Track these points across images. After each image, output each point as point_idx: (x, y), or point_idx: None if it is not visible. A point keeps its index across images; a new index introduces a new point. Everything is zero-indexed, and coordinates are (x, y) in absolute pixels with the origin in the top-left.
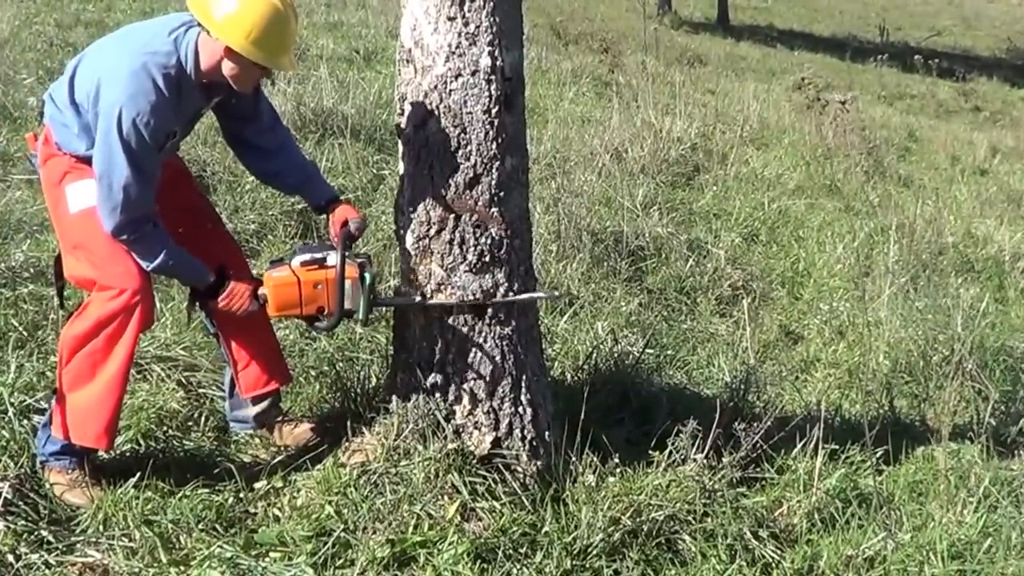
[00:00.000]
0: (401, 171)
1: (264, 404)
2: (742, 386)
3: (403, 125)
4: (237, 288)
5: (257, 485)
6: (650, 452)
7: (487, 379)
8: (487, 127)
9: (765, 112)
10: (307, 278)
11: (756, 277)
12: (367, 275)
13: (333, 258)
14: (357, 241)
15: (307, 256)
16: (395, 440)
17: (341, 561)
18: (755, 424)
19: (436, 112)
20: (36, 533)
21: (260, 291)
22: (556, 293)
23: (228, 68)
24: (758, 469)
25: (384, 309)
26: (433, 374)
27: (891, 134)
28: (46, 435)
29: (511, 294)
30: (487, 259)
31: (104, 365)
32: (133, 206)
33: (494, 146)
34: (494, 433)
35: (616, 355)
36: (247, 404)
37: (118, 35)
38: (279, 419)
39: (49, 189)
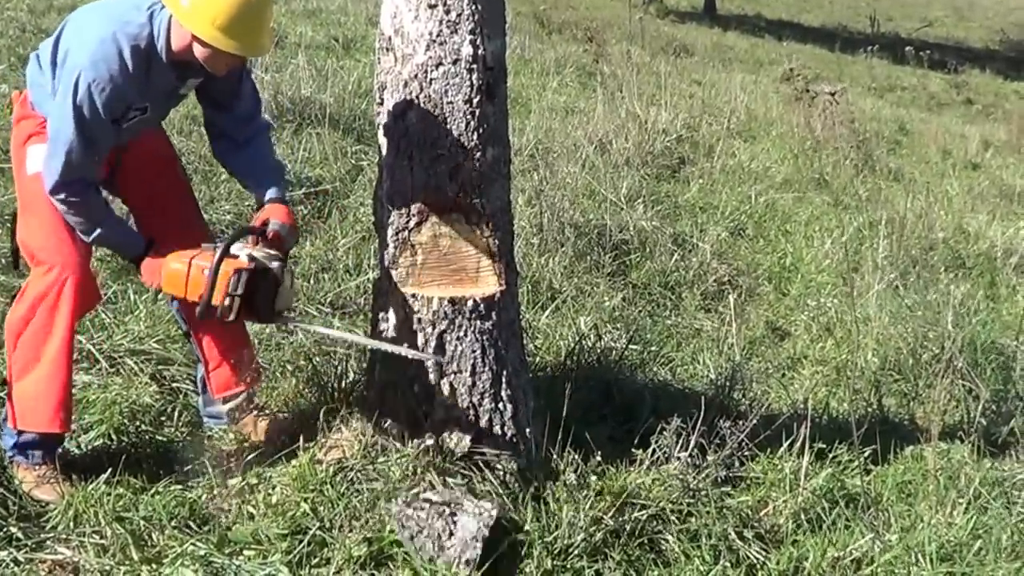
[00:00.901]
0: (380, 162)
1: (236, 401)
2: (727, 383)
3: (382, 115)
4: (152, 265)
5: (231, 482)
6: (633, 450)
7: (467, 374)
8: (468, 117)
9: (752, 104)
10: (197, 261)
11: (742, 272)
12: (243, 274)
13: (244, 252)
14: (287, 248)
15: (223, 244)
16: (372, 436)
17: (317, 560)
18: (740, 422)
19: (416, 102)
20: (5, 530)
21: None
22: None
23: (199, 51)
24: (743, 468)
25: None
26: (411, 369)
27: (881, 127)
28: (5, 429)
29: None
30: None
31: (46, 344)
32: (73, 170)
33: (475, 137)
34: (473, 430)
35: (599, 351)
36: (220, 401)
37: (106, 1)
38: (254, 414)
39: (16, 149)
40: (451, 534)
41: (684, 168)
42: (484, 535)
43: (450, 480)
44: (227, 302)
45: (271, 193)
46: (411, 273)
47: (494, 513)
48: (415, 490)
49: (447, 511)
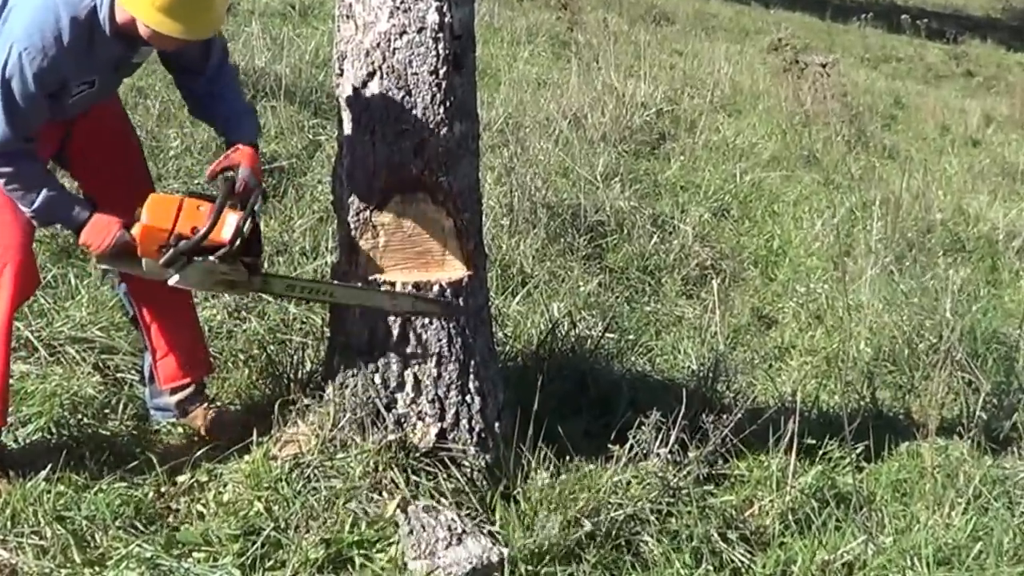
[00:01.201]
0: (340, 137)
1: (185, 392)
2: (710, 374)
3: (342, 86)
4: (100, 220)
5: (180, 479)
6: (610, 446)
7: (432, 365)
8: (434, 89)
9: (738, 75)
10: (192, 199)
11: (726, 256)
12: (257, 197)
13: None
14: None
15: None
16: (331, 431)
17: (271, 562)
18: (724, 416)
19: (378, 73)
20: None
21: (138, 214)
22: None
23: (143, 30)
24: (727, 465)
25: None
26: (373, 358)
27: (875, 100)
28: None
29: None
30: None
31: None
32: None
33: (442, 110)
34: (439, 424)
35: (573, 339)
36: (167, 392)
37: None
38: (204, 407)
39: None
40: (448, 546)
41: (664, 144)
42: (480, 564)
43: (414, 478)
44: (234, 228)
45: (243, 137)
46: (373, 256)
47: (504, 553)
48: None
49: (459, 529)
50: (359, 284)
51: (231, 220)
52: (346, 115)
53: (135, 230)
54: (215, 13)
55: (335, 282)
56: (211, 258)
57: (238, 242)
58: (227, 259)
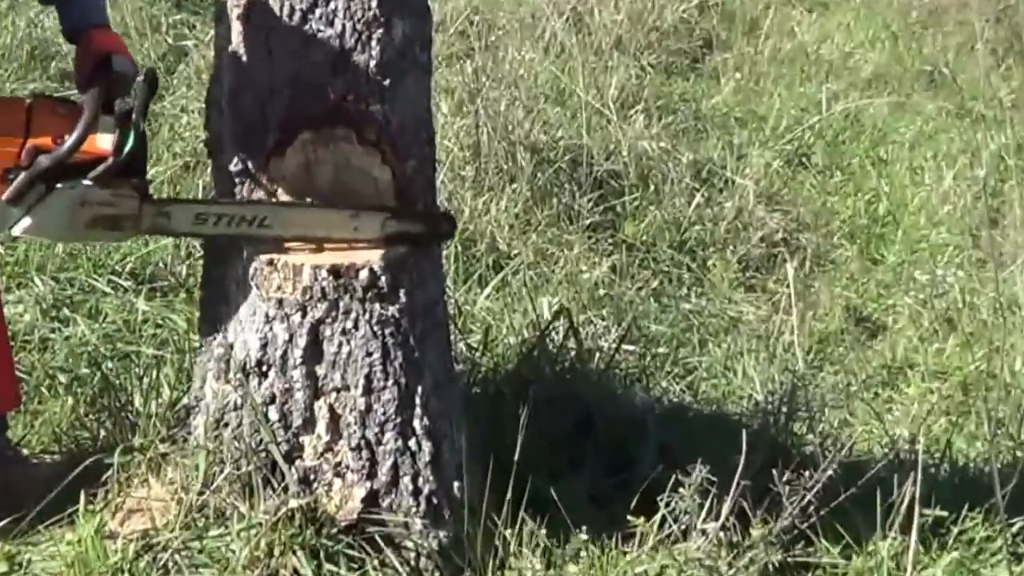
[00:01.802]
0: (219, 42)
1: None
2: (783, 408)
3: None
4: None
5: None
6: (629, 517)
7: (358, 392)
8: None
9: None
10: (44, 100)
11: (807, 226)
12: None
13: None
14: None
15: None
16: (200, 493)
17: None
18: (806, 473)
19: None
20: None
21: None
22: None
23: None
24: (811, 549)
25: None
26: (267, 382)
27: None
28: None
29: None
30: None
31: None
32: None
33: (374, 3)
34: (368, 483)
35: (572, 353)
36: None
37: None
38: (4, 457)
39: None
40: None
41: (711, 56)
42: None
43: (330, 567)
44: (115, 133)
45: (95, 16)
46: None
47: None
48: None
49: None
50: (308, 200)
51: (108, 123)
52: (228, 10)
53: None
54: None
55: (272, 200)
56: (85, 181)
57: (126, 150)
58: (108, 179)
